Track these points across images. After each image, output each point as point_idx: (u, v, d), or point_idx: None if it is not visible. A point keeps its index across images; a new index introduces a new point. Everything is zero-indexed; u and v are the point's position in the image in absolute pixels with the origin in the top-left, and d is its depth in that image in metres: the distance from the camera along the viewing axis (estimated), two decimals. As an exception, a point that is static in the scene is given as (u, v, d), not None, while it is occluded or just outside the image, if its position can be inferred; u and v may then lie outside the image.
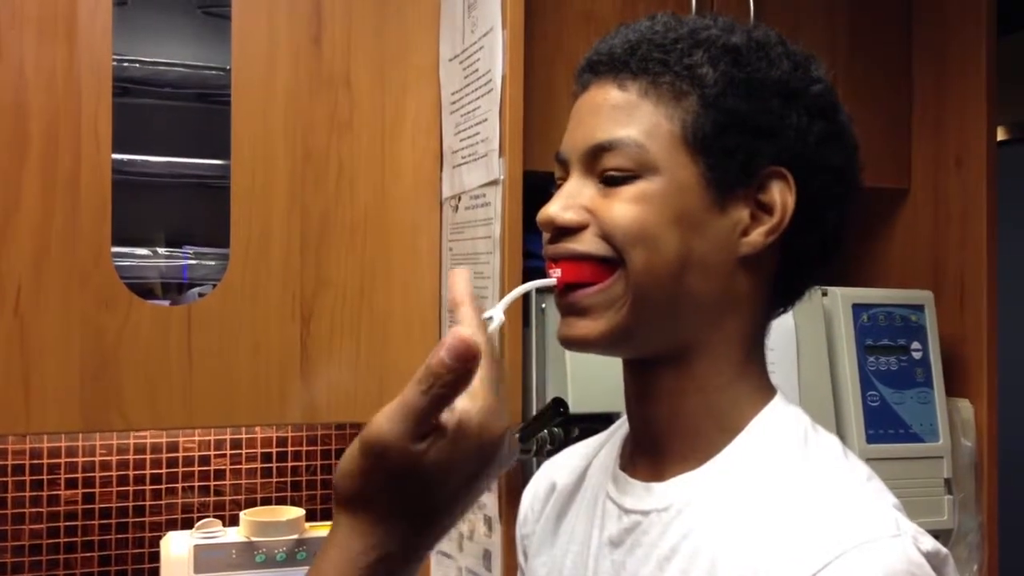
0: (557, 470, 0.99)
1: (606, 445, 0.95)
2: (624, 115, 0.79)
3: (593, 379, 1.37)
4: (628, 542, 0.82)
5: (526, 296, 0.82)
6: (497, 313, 0.79)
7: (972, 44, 1.68)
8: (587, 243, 0.79)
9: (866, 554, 0.68)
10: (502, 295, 1.39)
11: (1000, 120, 1.74)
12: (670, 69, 0.79)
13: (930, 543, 0.72)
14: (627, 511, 0.83)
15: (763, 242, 0.79)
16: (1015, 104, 2.26)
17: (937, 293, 1.70)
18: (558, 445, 1.33)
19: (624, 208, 0.77)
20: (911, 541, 0.70)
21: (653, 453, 0.84)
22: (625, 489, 0.85)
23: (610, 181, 0.79)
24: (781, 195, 0.78)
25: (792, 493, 0.75)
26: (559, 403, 1.33)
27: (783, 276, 0.83)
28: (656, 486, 0.82)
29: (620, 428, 0.94)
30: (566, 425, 1.36)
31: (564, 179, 0.83)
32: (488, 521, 1.41)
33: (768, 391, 0.84)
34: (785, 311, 0.87)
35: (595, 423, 1.33)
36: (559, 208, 0.80)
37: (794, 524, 0.72)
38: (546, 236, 0.82)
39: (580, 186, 0.80)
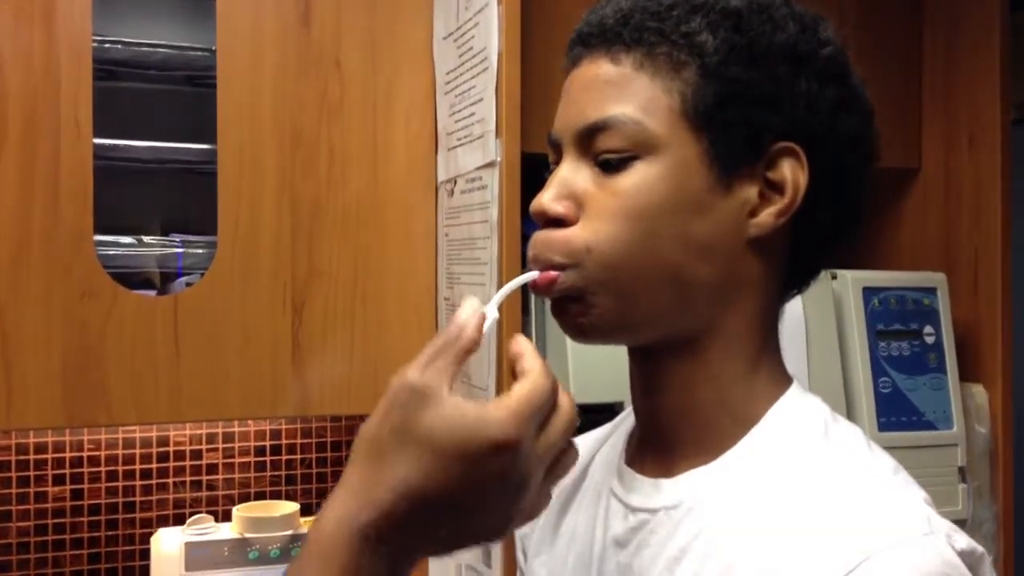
0: None
1: (610, 439, 0.90)
2: (618, 90, 0.73)
3: (596, 368, 1.33)
4: (635, 542, 0.77)
5: (524, 284, 0.76)
6: (491, 310, 0.74)
7: (985, 16, 1.63)
8: (569, 251, 0.73)
9: (897, 555, 0.63)
10: (499, 281, 1.34)
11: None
12: (666, 38, 0.73)
13: (965, 541, 0.67)
14: (634, 509, 0.78)
15: (773, 223, 0.73)
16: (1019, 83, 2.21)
17: (949, 275, 1.65)
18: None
19: (614, 216, 0.72)
20: (944, 539, 0.65)
21: (661, 447, 0.79)
22: (631, 486, 0.80)
23: (606, 164, 0.73)
24: (792, 173, 0.73)
25: (814, 488, 0.69)
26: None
27: (796, 257, 0.77)
28: (665, 482, 0.77)
29: (624, 421, 0.89)
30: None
31: (558, 162, 0.77)
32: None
33: (784, 380, 0.78)
34: (800, 293, 0.82)
35: (598, 414, 1.28)
36: (551, 198, 0.74)
37: (818, 522, 0.67)
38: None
39: (574, 171, 0.75)
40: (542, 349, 1.39)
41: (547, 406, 0.64)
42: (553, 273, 0.73)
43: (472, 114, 1.44)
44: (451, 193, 1.54)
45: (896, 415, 1.55)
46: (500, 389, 1.34)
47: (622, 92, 0.73)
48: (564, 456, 0.67)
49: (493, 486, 0.62)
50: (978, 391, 1.63)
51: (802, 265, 0.79)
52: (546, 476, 0.66)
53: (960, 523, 1.56)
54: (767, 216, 0.73)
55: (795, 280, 0.80)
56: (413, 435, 0.62)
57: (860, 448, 0.74)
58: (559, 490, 0.90)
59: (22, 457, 1.71)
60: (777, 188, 0.73)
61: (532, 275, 0.74)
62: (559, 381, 0.67)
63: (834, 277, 1.58)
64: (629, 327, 0.75)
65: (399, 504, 0.62)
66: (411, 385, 0.63)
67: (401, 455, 0.62)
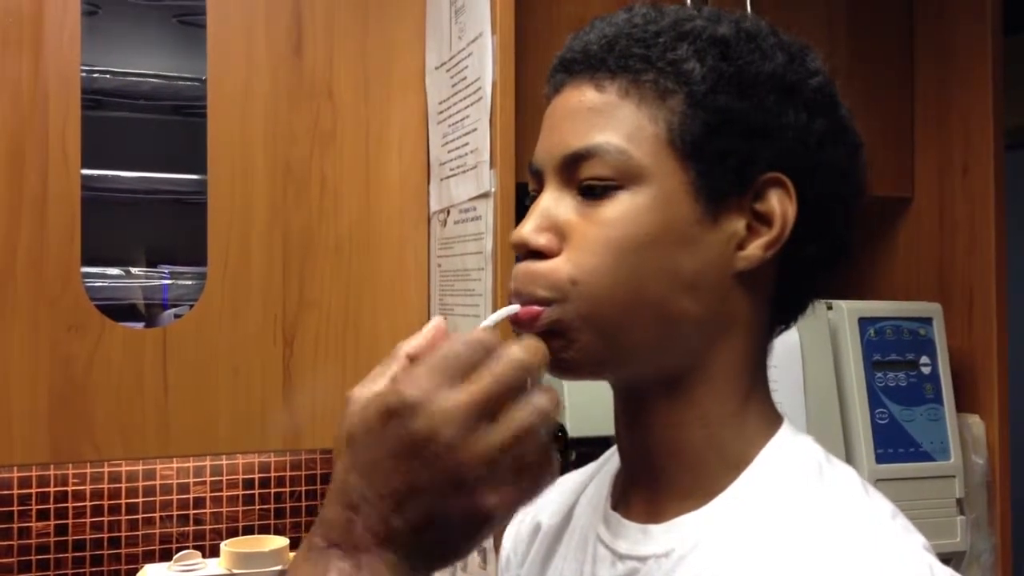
0: (541, 509, 0.90)
1: (594, 479, 0.87)
2: (603, 118, 0.71)
3: (592, 401, 1.30)
4: None
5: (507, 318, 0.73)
6: None
7: (977, 44, 1.63)
8: (552, 284, 0.70)
9: None
10: (493, 313, 1.32)
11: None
12: (652, 65, 0.71)
13: None
14: (622, 557, 0.75)
15: (761, 256, 0.71)
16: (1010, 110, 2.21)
17: (944, 305, 1.64)
18: (555, 471, 1.25)
19: (598, 249, 0.69)
20: None
21: (648, 490, 0.76)
22: (618, 531, 0.76)
23: (589, 194, 0.71)
24: (781, 204, 0.70)
25: (810, 535, 0.66)
26: (557, 426, 1.26)
27: (784, 291, 0.75)
28: (653, 528, 0.73)
29: (609, 461, 0.86)
30: (563, 450, 1.29)
31: (539, 191, 0.75)
32: (483, 552, 1.34)
33: (775, 419, 0.76)
34: (788, 328, 0.80)
35: (594, 447, 1.27)
36: (532, 229, 0.71)
37: (815, 572, 0.65)
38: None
39: (556, 201, 0.72)
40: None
41: (461, 357, 0.61)
42: (536, 308, 0.70)
43: (466, 144, 1.42)
44: (444, 223, 1.52)
45: (893, 446, 1.54)
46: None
47: (607, 120, 0.71)
48: (522, 408, 0.61)
49: (402, 455, 0.59)
50: (975, 422, 1.62)
51: (790, 299, 0.77)
52: (511, 449, 0.60)
53: (959, 555, 1.56)
54: (755, 249, 0.71)
55: (783, 315, 0.78)
56: (348, 437, 0.62)
57: (856, 492, 0.71)
58: (544, 536, 0.88)
59: (5, 492, 1.68)
60: (765, 220, 0.71)
61: (514, 309, 0.71)
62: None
63: (830, 307, 1.57)
64: (613, 363, 0.72)
65: (332, 502, 0.61)
66: (351, 399, 0.63)
67: (341, 461, 0.62)
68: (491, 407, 0.60)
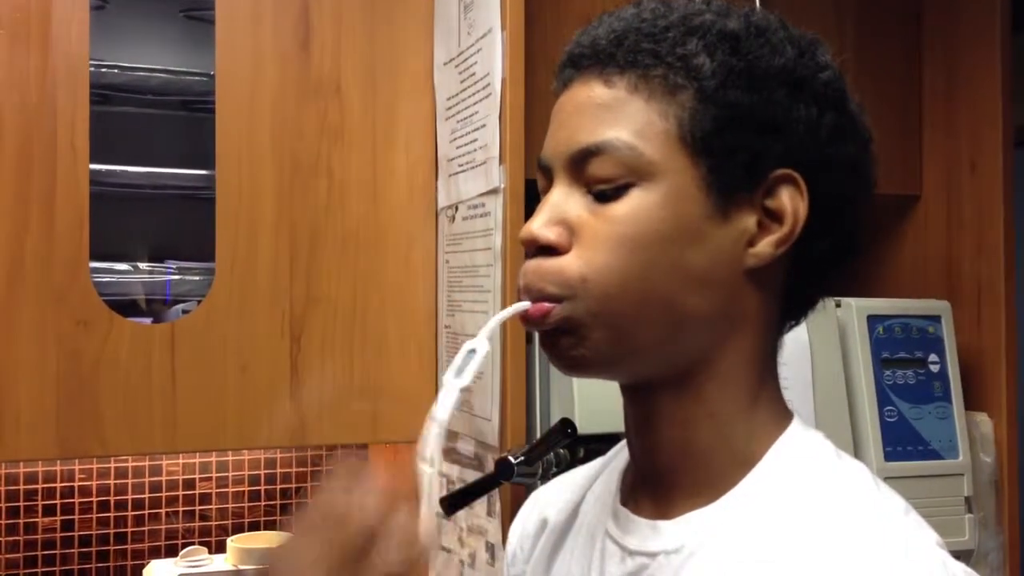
0: (547, 504, 0.90)
1: (601, 475, 0.86)
2: (612, 114, 0.71)
3: (601, 398, 1.30)
4: None
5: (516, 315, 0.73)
6: (481, 343, 0.72)
7: (986, 40, 1.62)
8: (562, 281, 0.70)
9: None
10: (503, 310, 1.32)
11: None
12: (662, 60, 0.70)
13: None
14: (631, 552, 0.75)
15: (772, 254, 0.71)
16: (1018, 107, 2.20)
17: (953, 303, 1.63)
18: (564, 468, 1.25)
19: (609, 245, 0.69)
20: None
21: (658, 486, 0.76)
22: (628, 527, 0.76)
23: (601, 196, 0.70)
24: (792, 202, 0.70)
25: (822, 531, 0.66)
26: (567, 423, 1.26)
27: (794, 287, 0.75)
28: (663, 524, 0.73)
29: (616, 457, 0.85)
30: (572, 447, 1.29)
31: (548, 188, 0.74)
32: (491, 548, 1.34)
33: (785, 415, 0.76)
34: (797, 324, 0.80)
35: (603, 444, 1.26)
36: (542, 224, 0.71)
37: (828, 568, 0.64)
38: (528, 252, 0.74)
39: (566, 197, 0.72)
40: (546, 378, 1.37)
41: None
42: (547, 305, 0.70)
43: (475, 140, 1.42)
44: (452, 219, 1.52)
45: (902, 445, 1.54)
46: (504, 419, 1.31)
47: (616, 116, 0.71)
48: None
49: None
50: (983, 420, 1.61)
51: (799, 296, 0.77)
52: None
53: (967, 553, 1.55)
54: (766, 246, 0.71)
55: (793, 311, 0.78)
56: None
57: (868, 488, 0.71)
58: (551, 532, 0.87)
59: (11, 487, 1.68)
60: (776, 217, 0.71)
61: (523, 306, 0.71)
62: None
63: (838, 305, 1.57)
64: (623, 360, 0.72)
65: None
66: None
67: None
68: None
